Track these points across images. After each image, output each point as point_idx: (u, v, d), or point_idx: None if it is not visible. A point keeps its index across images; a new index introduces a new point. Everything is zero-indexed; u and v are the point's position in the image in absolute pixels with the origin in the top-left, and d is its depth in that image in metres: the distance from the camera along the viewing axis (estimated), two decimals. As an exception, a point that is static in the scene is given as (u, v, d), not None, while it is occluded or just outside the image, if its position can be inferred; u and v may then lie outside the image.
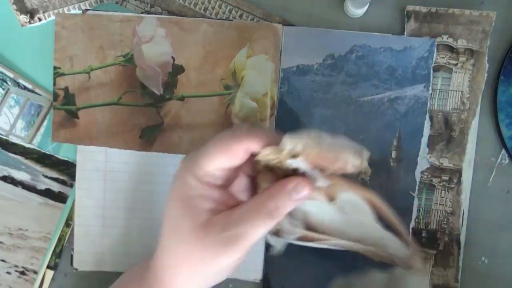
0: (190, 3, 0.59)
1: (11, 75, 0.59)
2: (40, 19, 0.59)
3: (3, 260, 0.59)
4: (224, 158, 0.43)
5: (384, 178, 0.58)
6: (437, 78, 0.58)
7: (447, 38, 0.58)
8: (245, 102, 0.58)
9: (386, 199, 0.58)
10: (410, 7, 0.58)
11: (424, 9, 0.58)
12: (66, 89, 0.58)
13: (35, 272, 0.59)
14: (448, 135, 0.58)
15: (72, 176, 0.59)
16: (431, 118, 0.58)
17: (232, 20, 0.58)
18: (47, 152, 0.59)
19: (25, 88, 0.59)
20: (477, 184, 0.59)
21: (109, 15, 0.58)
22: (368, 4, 0.57)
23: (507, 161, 0.59)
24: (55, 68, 0.58)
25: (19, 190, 0.59)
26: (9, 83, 0.59)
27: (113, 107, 0.58)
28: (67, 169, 0.59)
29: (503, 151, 0.59)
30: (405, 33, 0.58)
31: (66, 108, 0.58)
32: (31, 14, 0.59)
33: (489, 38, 0.58)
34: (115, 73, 0.58)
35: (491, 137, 0.59)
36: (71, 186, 0.59)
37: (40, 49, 0.59)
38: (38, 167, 0.59)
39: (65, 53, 0.58)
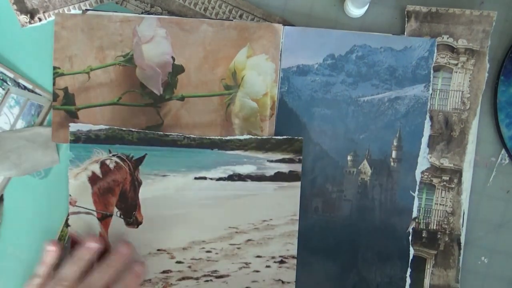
0: (190, 3, 0.59)
1: (11, 75, 0.59)
2: (40, 19, 0.59)
3: (258, 256, 0.58)
4: None
5: (384, 178, 0.58)
6: (438, 78, 0.58)
7: (448, 38, 0.58)
8: (245, 102, 0.58)
9: (386, 199, 0.58)
10: (410, 7, 0.58)
11: (424, 9, 0.58)
12: (65, 89, 0.58)
13: (294, 257, 0.58)
14: (448, 135, 0.58)
15: (298, 151, 0.57)
16: (431, 118, 0.58)
17: (232, 20, 0.58)
18: (264, 137, 0.58)
19: (25, 88, 0.59)
20: (477, 184, 0.59)
21: (109, 15, 0.58)
22: (368, 4, 0.57)
23: (507, 161, 0.59)
24: (54, 68, 0.58)
25: (249, 183, 0.58)
26: (9, 83, 0.59)
27: (113, 107, 0.58)
28: (289, 145, 0.58)
29: (503, 151, 0.59)
30: (405, 33, 0.58)
31: (65, 108, 0.58)
32: (31, 14, 0.59)
33: (490, 38, 0.58)
34: (115, 73, 0.58)
35: (491, 137, 0.59)
36: (300, 161, 0.57)
37: (40, 49, 0.59)
38: (260, 155, 0.58)
39: (64, 53, 0.58)
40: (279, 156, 0.58)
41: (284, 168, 0.58)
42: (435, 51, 0.58)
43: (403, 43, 0.58)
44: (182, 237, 0.58)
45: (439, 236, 0.59)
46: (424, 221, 0.59)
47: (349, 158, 0.58)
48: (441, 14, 0.58)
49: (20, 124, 0.59)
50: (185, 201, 0.58)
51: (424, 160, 0.58)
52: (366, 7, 0.58)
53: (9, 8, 0.58)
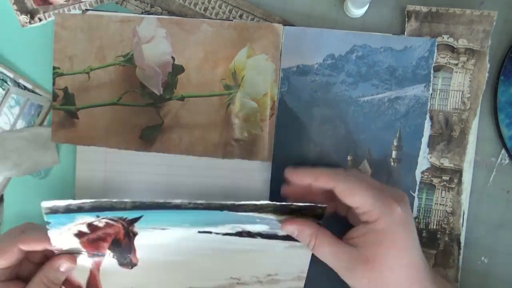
0: (190, 3, 0.59)
1: (11, 75, 0.59)
2: (40, 19, 0.59)
3: None
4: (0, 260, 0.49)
5: (384, 178, 0.58)
6: (438, 78, 0.58)
7: (448, 38, 0.58)
8: (245, 102, 0.58)
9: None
10: (410, 7, 0.58)
11: (424, 9, 0.58)
12: (65, 89, 0.58)
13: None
14: (448, 135, 0.58)
15: (318, 217, 0.52)
16: (431, 118, 0.58)
17: (232, 20, 0.58)
18: (284, 203, 0.51)
19: (25, 88, 0.59)
20: (477, 184, 0.59)
21: (109, 16, 0.58)
22: (368, 4, 0.57)
23: (507, 161, 0.59)
24: (54, 68, 0.58)
25: (258, 240, 0.53)
26: (9, 83, 0.59)
27: (113, 107, 0.58)
28: (310, 212, 0.51)
29: (503, 151, 0.59)
30: (405, 33, 0.58)
31: (65, 108, 0.58)
32: (32, 14, 0.59)
33: (490, 37, 0.58)
34: (115, 73, 0.58)
35: (491, 137, 0.59)
36: (319, 225, 0.52)
37: (41, 49, 0.59)
38: (274, 217, 0.52)
39: (64, 53, 0.58)
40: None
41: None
42: (435, 51, 0.58)
43: (403, 43, 0.58)
44: (179, 283, 0.55)
45: (439, 236, 0.59)
46: (424, 221, 0.59)
47: (349, 158, 0.58)
48: (441, 14, 0.58)
49: (20, 124, 0.59)
50: (185, 250, 0.54)
51: (424, 160, 0.58)
52: (366, 7, 0.58)
53: (9, 8, 0.58)
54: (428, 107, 0.58)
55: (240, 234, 0.53)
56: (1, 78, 0.59)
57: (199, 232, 0.53)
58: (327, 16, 0.59)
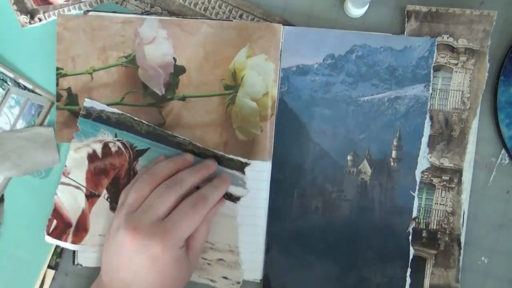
0: (190, 3, 0.59)
1: (11, 75, 0.59)
2: (40, 20, 0.59)
3: (225, 277, 0.59)
4: None
5: (384, 178, 0.58)
6: (438, 78, 0.58)
7: (448, 38, 0.58)
8: (245, 102, 0.58)
9: (386, 199, 0.59)
10: (410, 7, 0.58)
11: (424, 9, 0.58)
12: (69, 90, 0.58)
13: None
14: (448, 135, 0.58)
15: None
16: (431, 118, 0.58)
17: (232, 20, 0.58)
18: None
19: (25, 88, 0.59)
20: (477, 184, 0.59)
21: (110, 17, 0.58)
22: (368, 4, 0.57)
23: (507, 161, 0.59)
24: (57, 69, 0.58)
25: (238, 207, 0.59)
26: (10, 83, 0.59)
27: (116, 107, 0.58)
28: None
29: (503, 151, 0.59)
30: (405, 32, 0.58)
31: (69, 108, 0.58)
32: (32, 14, 0.59)
33: (490, 37, 0.58)
34: (117, 73, 0.58)
35: (491, 137, 0.59)
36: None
37: (41, 49, 0.59)
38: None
39: (67, 54, 0.58)
40: None
41: None
42: (435, 50, 0.58)
43: (403, 43, 0.58)
44: None
45: (439, 236, 0.58)
46: (424, 221, 0.59)
47: (349, 158, 0.58)
48: (441, 13, 0.58)
49: (20, 124, 0.59)
50: None
51: (424, 160, 0.58)
52: (366, 7, 0.58)
53: (9, 8, 0.59)
54: (428, 107, 0.58)
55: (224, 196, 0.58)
56: (1, 78, 0.59)
57: None
58: (327, 16, 0.59)
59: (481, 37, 0.58)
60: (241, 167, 0.58)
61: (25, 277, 0.60)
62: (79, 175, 0.58)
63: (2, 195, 0.60)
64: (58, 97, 0.58)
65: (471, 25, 0.58)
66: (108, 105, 0.58)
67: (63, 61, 0.58)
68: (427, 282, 0.59)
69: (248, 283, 0.60)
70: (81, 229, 0.58)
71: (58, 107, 0.58)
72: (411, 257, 0.58)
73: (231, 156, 0.58)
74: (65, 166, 0.58)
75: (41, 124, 0.60)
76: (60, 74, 0.58)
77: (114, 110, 0.58)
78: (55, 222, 0.58)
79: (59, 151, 0.60)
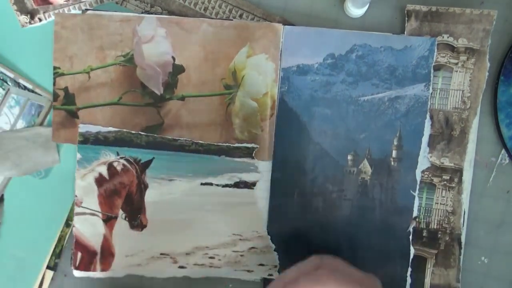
0: (190, 3, 0.59)
1: (11, 75, 0.59)
2: (40, 20, 0.59)
3: (261, 264, 0.59)
4: None
5: (384, 177, 0.58)
6: (438, 77, 0.58)
7: (448, 37, 0.58)
8: (245, 102, 0.58)
9: (386, 198, 0.58)
10: (410, 6, 0.58)
11: (424, 8, 0.58)
12: (66, 89, 0.58)
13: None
14: (448, 134, 0.58)
15: None
16: (431, 117, 0.58)
17: (232, 20, 0.58)
18: None
19: (25, 88, 0.59)
20: (477, 184, 0.59)
21: (109, 15, 0.58)
22: (368, 4, 0.57)
23: (507, 161, 0.59)
24: (54, 68, 0.58)
25: (255, 191, 0.59)
26: (9, 83, 0.59)
27: (114, 107, 0.58)
28: None
29: (503, 151, 0.59)
30: (405, 32, 0.58)
31: (66, 108, 0.58)
32: (32, 14, 0.59)
33: (490, 37, 0.58)
34: (115, 73, 0.58)
35: (491, 137, 0.59)
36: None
37: (40, 49, 0.59)
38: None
39: (64, 53, 0.58)
40: None
41: None
42: (435, 50, 0.58)
43: (403, 42, 0.58)
44: (185, 242, 0.59)
45: (439, 235, 0.59)
46: (425, 220, 0.59)
47: (349, 157, 0.58)
48: (441, 13, 0.58)
49: (20, 124, 0.59)
50: (190, 206, 0.59)
51: (424, 160, 0.58)
52: (366, 7, 0.58)
53: (9, 8, 0.58)
54: (428, 106, 0.58)
55: (238, 185, 0.58)
56: (1, 78, 0.59)
57: (202, 184, 0.58)
58: (327, 16, 0.59)
59: (481, 37, 0.58)
60: (249, 152, 0.58)
61: (24, 278, 0.59)
62: (92, 201, 0.58)
63: (2, 195, 0.60)
64: (55, 96, 0.58)
65: (471, 25, 0.58)
66: (105, 105, 0.58)
67: (60, 60, 0.58)
68: (427, 281, 0.59)
69: (248, 283, 0.59)
70: (107, 255, 0.58)
71: (55, 107, 0.58)
72: (411, 256, 0.58)
73: (236, 145, 0.58)
74: (76, 196, 0.58)
75: (41, 124, 0.59)
76: (57, 73, 0.58)
77: (110, 128, 0.58)
78: (79, 254, 0.58)
79: (59, 151, 0.59)
